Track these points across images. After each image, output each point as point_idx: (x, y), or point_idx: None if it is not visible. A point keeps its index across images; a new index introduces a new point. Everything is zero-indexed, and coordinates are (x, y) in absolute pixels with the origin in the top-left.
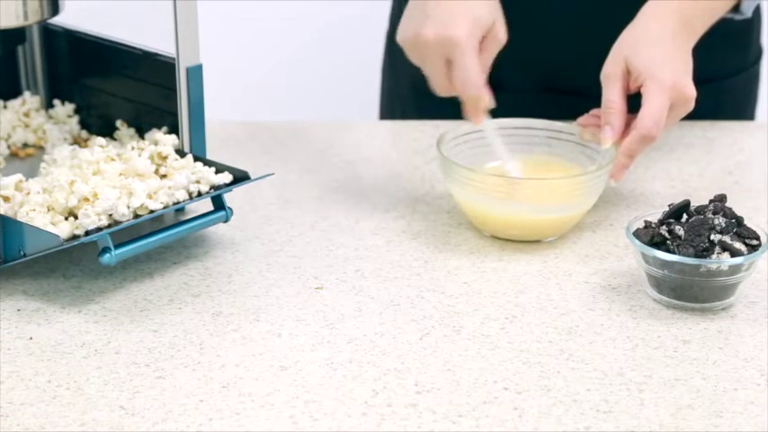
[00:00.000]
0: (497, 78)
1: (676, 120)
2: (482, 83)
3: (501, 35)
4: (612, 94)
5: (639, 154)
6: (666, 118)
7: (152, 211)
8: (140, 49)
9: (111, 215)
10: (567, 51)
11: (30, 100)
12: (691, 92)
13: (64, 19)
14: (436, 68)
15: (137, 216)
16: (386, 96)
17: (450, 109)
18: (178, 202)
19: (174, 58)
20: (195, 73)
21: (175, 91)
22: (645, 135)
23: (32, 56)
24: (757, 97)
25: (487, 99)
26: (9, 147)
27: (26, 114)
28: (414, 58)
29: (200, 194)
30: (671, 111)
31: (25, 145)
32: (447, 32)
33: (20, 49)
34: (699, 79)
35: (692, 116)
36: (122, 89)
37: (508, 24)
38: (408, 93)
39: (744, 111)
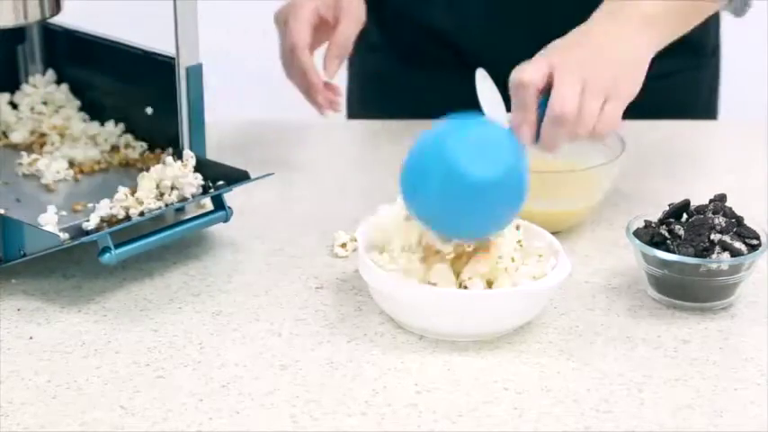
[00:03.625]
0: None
1: (613, 107)
2: (301, 36)
3: (349, 9)
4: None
5: (565, 139)
6: (589, 99)
7: (152, 211)
8: (140, 49)
9: (112, 215)
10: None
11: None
12: (606, 70)
13: (64, 19)
14: (279, 31)
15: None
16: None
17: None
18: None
19: (173, 58)
20: (195, 73)
21: (175, 91)
22: (556, 116)
23: (32, 56)
24: (718, 91)
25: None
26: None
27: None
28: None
29: (201, 193)
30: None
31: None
32: (289, 6)
33: (20, 49)
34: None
35: (651, 110)
36: (122, 89)
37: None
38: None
39: (701, 105)
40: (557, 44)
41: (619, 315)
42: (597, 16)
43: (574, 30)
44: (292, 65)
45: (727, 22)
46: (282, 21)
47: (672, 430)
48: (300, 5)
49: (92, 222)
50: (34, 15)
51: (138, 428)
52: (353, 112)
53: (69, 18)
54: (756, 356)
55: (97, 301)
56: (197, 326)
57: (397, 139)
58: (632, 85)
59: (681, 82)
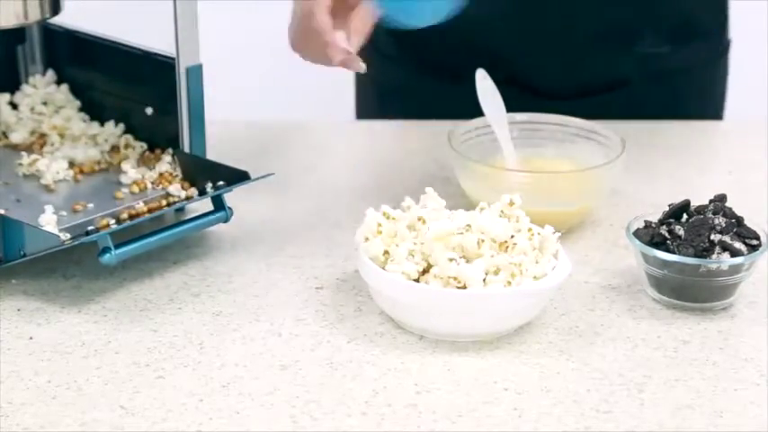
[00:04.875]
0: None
1: None
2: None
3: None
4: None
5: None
6: None
7: (152, 211)
8: (140, 49)
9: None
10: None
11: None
12: None
13: (64, 19)
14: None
15: (136, 216)
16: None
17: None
18: (178, 202)
19: (174, 58)
20: (195, 73)
21: (175, 91)
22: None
23: (32, 56)
24: (726, 91)
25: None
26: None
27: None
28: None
29: (200, 194)
30: None
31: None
32: None
33: (20, 49)
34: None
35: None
36: (122, 89)
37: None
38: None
39: (710, 104)
40: None
41: (619, 315)
42: None
43: None
44: (308, 29)
45: (733, 20)
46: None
47: (672, 430)
48: None
49: (92, 223)
50: (34, 15)
51: (138, 428)
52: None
53: (69, 18)
54: (756, 356)
55: (97, 301)
56: (197, 326)
57: (398, 139)
58: None
59: (698, 77)
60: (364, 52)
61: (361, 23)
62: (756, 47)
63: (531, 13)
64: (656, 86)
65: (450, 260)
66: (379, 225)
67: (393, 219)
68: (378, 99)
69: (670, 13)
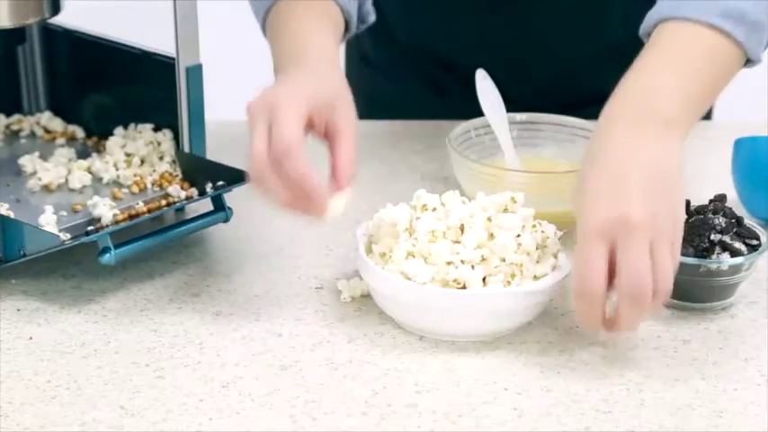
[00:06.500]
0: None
1: (668, 256)
2: (293, 136)
3: (348, 117)
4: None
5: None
6: (629, 259)
7: (151, 211)
8: (140, 49)
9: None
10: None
11: None
12: (637, 213)
13: (64, 19)
14: (257, 132)
15: (136, 216)
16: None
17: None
18: (178, 202)
19: (174, 58)
20: (195, 73)
21: (175, 91)
22: (583, 295)
23: (32, 56)
24: None
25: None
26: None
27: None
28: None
29: (200, 194)
30: (623, 249)
31: None
32: (273, 100)
33: (20, 49)
34: None
35: None
36: (122, 89)
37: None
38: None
39: None
40: (589, 196)
41: None
42: (618, 131)
43: (595, 160)
44: (278, 171)
45: None
46: (262, 122)
47: (672, 430)
48: (286, 104)
49: (92, 222)
50: (34, 15)
51: (138, 428)
52: None
53: (69, 18)
54: (756, 356)
55: (97, 301)
56: (197, 326)
57: (398, 139)
58: (683, 214)
59: None
60: (353, 63)
61: (348, 176)
62: None
63: (519, 31)
64: None
65: (449, 263)
66: (380, 225)
67: (393, 218)
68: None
69: None
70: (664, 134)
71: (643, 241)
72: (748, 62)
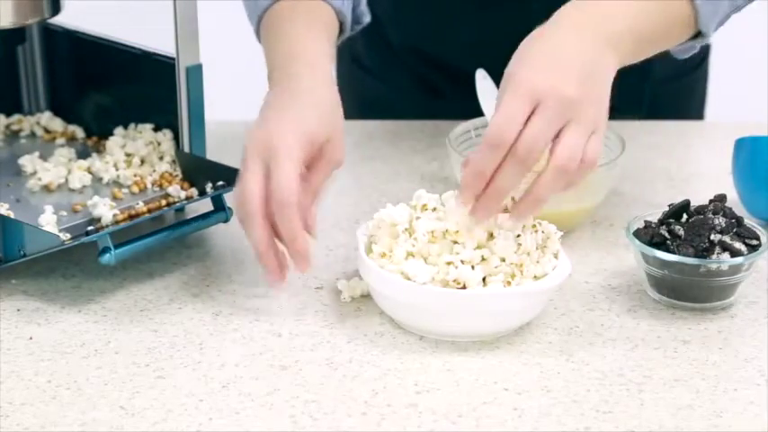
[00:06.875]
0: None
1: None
2: (293, 191)
3: (337, 155)
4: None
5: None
6: (540, 126)
7: (151, 211)
8: (140, 49)
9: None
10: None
11: None
12: (571, 90)
13: (64, 19)
14: (252, 171)
15: (136, 216)
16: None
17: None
18: (178, 202)
19: (174, 58)
20: (195, 73)
21: (175, 91)
22: (492, 144)
23: (32, 56)
24: (705, 95)
25: (305, 222)
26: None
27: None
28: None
29: (200, 194)
30: (541, 115)
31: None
32: (271, 139)
33: (20, 49)
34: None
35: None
36: (122, 89)
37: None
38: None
39: (691, 109)
40: (526, 66)
41: (619, 315)
42: (562, 27)
43: (534, 42)
44: (268, 215)
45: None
46: (258, 161)
47: (672, 430)
48: (286, 150)
49: (92, 222)
50: (34, 15)
51: (138, 428)
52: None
53: (69, 18)
54: (756, 356)
55: (97, 301)
56: (197, 326)
57: (397, 139)
58: (606, 114)
59: (675, 88)
60: (345, 65)
61: (320, 181)
62: (735, 50)
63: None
64: (639, 95)
65: (449, 263)
66: (380, 225)
67: (393, 218)
68: (358, 111)
69: None
70: (603, 48)
71: (574, 116)
72: (698, 36)
